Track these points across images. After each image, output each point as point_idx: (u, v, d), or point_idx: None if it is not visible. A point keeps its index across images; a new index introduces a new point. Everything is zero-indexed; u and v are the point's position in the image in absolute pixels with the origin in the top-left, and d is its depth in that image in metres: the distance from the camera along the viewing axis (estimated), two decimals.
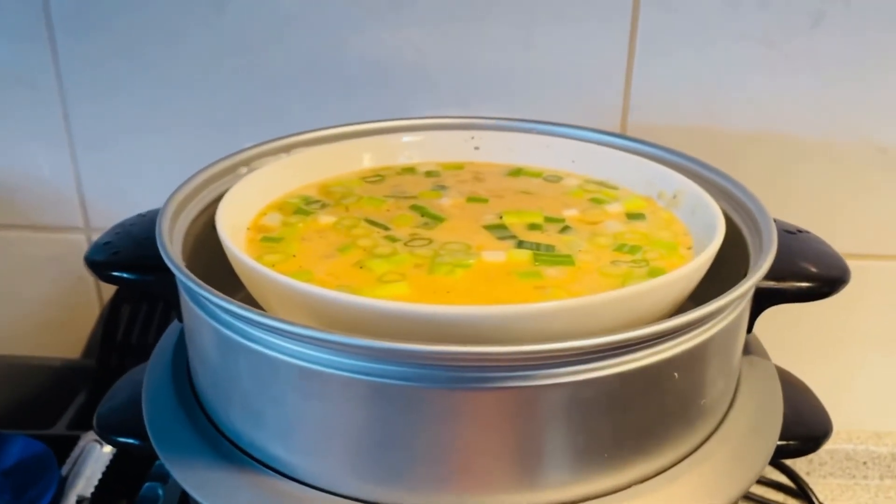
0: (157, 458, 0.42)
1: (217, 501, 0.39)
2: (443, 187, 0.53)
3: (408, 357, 0.34)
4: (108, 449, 0.63)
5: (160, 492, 0.58)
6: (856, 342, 0.71)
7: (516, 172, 0.55)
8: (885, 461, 0.73)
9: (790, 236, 0.49)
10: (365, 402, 0.36)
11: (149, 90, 0.67)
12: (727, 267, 0.44)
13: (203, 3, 0.64)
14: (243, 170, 0.52)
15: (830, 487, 0.73)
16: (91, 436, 0.64)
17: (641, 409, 0.38)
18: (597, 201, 0.51)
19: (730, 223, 0.46)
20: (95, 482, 0.60)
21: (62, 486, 0.60)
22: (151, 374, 0.47)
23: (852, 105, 0.64)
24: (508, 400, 0.35)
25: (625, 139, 0.55)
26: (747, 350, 0.48)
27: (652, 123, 0.65)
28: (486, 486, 0.37)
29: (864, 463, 0.73)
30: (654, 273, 0.43)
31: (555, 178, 0.54)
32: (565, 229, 0.47)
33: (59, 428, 0.67)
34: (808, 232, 0.50)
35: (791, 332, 0.67)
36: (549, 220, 0.48)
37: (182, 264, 0.40)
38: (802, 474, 0.71)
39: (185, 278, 0.38)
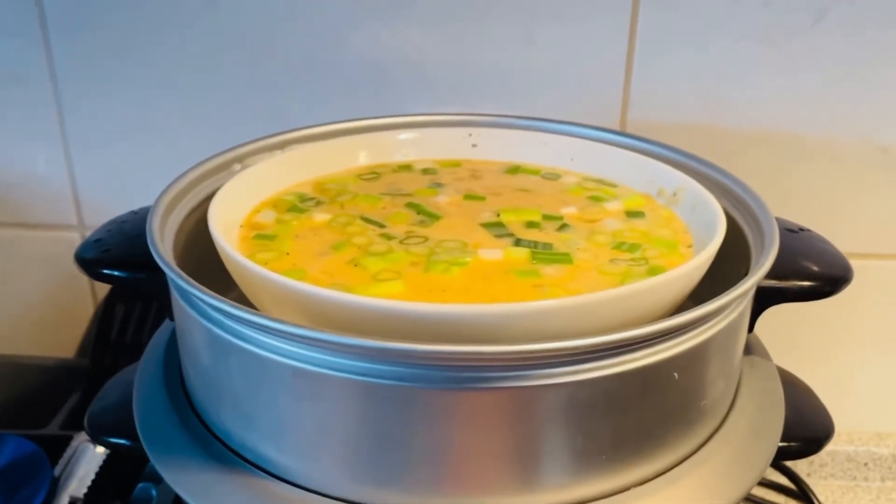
0: (148, 458, 0.42)
1: (208, 503, 0.38)
2: (439, 185, 0.52)
3: (402, 357, 0.34)
4: (101, 449, 0.62)
5: (153, 492, 0.58)
6: (856, 342, 0.71)
7: (514, 170, 0.55)
8: (887, 462, 0.72)
9: (792, 235, 0.48)
10: (359, 402, 0.35)
11: (144, 88, 0.67)
12: (728, 265, 0.43)
13: (199, 1, 0.63)
14: (237, 166, 0.51)
15: (831, 489, 0.72)
16: (84, 436, 0.63)
17: (641, 410, 0.37)
18: (595, 199, 0.50)
19: (730, 221, 0.45)
20: (88, 483, 0.60)
21: (54, 486, 0.59)
22: (143, 374, 0.47)
23: (853, 104, 0.63)
24: (505, 400, 0.35)
25: (624, 136, 0.54)
26: (748, 350, 0.47)
27: (652, 123, 0.65)
28: (482, 489, 0.36)
29: (866, 464, 0.73)
30: (653, 271, 0.42)
31: (553, 176, 0.54)
32: (563, 227, 0.47)
33: (52, 428, 0.66)
34: (809, 230, 0.50)
35: (791, 333, 0.67)
36: (547, 217, 0.48)
37: (173, 262, 0.39)
38: (803, 476, 0.71)
39: (176, 276, 0.38)
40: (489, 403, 0.35)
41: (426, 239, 0.45)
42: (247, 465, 0.39)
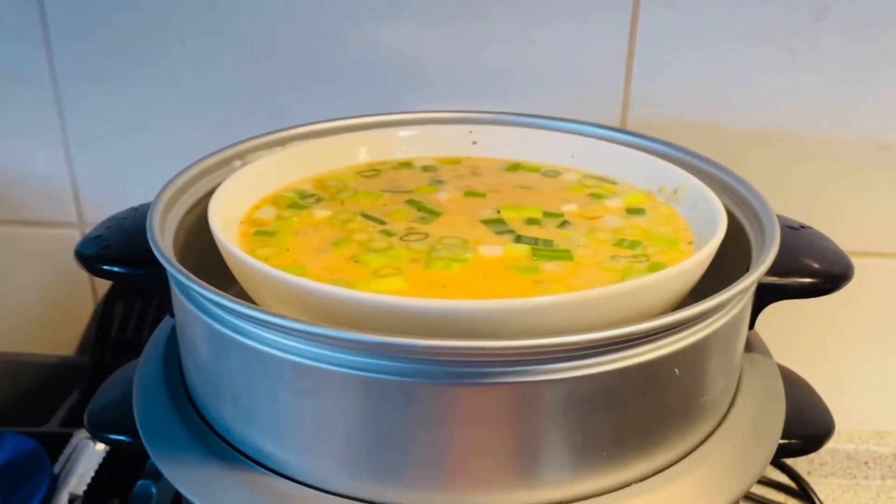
0: (148, 455, 0.42)
1: (208, 499, 0.38)
2: (440, 182, 0.52)
3: (402, 352, 0.34)
4: (101, 446, 0.62)
5: (153, 490, 0.58)
6: (857, 340, 0.71)
7: (514, 167, 0.55)
8: (887, 461, 0.72)
9: (793, 232, 0.48)
10: (359, 397, 0.35)
11: (144, 87, 0.67)
12: (728, 262, 0.43)
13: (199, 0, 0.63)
14: (237, 163, 0.51)
15: (832, 487, 0.72)
16: (84, 433, 0.63)
17: (641, 407, 0.37)
18: (596, 196, 0.50)
19: (731, 218, 0.45)
20: (88, 480, 0.60)
21: (54, 483, 0.59)
22: (143, 370, 0.47)
23: (854, 103, 0.63)
24: (505, 396, 0.35)
25: (625, 133, 0.54)
26: (749, 347, 0.47)
27: (652, 122, 0.64)
28: (482, 484, 0.36)
29: (866, 463, 0.72)
30: (654, 268, 0.42)
31: (553, 173, 0.54)
32: (564, 224, 0.47)
33: (52, 425, 0.66)
34: (810, 228, 0.49)
35: (792, 330, 0.67)
36: (547, 214, 0.47)
37: (173, 258, 0.39)
38: (803, 474, 0.71)
39: (176, 272, 0.37)
40: (489, 399, 0.35)
41: (426, 235, 0.45)
42: (247, 460, 0.39)
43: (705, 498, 0.39)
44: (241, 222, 0.46)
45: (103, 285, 0.73)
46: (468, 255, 0.42)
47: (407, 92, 0.65)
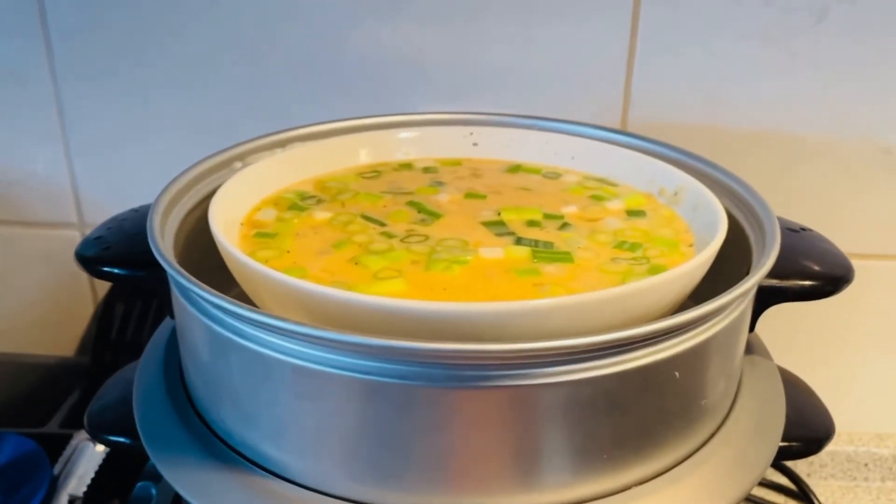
0: (148, 457, 0.42)
1: (208, 501, 0.38)
2: (440, 183, 0.52)
3: (403, 354, 0.34)
4: (100, 448, 0.62)
5: (153, 491, 0.57)
6: (857, 342, 0.71)
7: (515, 169, 0.55)
8: (887, 463, 0.72)
9: (793, 234, 0.48)
10: (359, 400, 0.35)
11: (144, 87, 0.66)
12: (729, 265, 0.43)
13: (199, 1, 0.63)
14: (238, 164, 0.51)
15: (831, 489, 0.72)
16: (84, 434, 0.63)
17: (641, 410, 0.37)
18: (597, 198, 0.50)
19: (732, 220, 0.45)
20: (88, 481, 0.60)
21: (54, 485, 0.59)
22: (143, 372, 0.47)
23: (856, 104, 0.63)
24: (506, 399, 0.35)
25: (625, 135, 0.54)
26: (749, 350, 0.47)
27: (653, 122, 0.64)
28: (482, 487, 0.36)
29: (866, 465, 0.72)
30: (654, 270, 0.42)
31: (554, 175, 0.54)
32: (564, 226, 0.47)
33: (52, 426, 0.66)
34: (811, 230, 0.49)
35: (792, 332, 0.67)
36: (548, 216, 0.47)
37: (173, 259, 0.39)
38: (803, 476, 0.71)
39: (176, 274, 0.37)
40: (490, 402, 0.35)
41: (427, 237, 0.45)
42: (247, 463, 0.39)
43: (705, 501, 0.39)
44: (242, 224, 0.46)
45: (103, 286, 0.73)
46: (468, 258, 0.42)
47: (407, 91, 0.65)
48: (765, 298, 0.44)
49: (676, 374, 0.37)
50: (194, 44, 0.65)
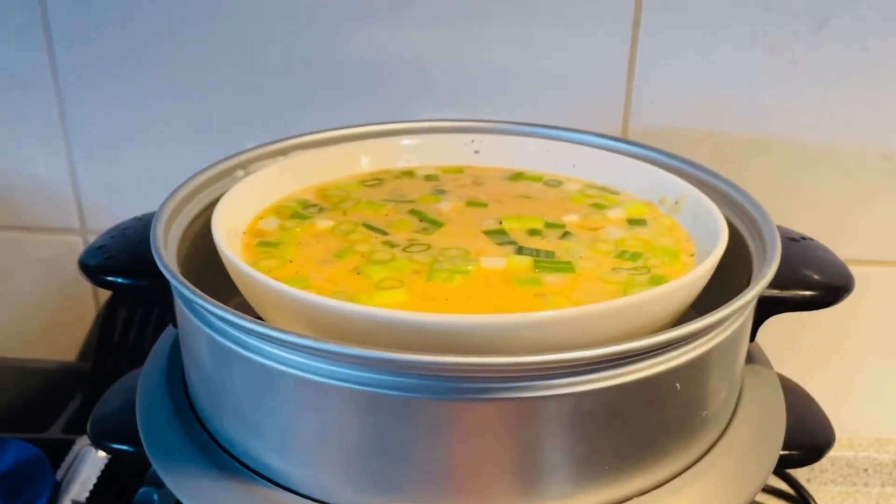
0: (150, 464, 0.42)
1: None
2: (442, 191, 0.52)
3: (404, 367, 0.34)
4: (103, 454, 0.62)
5: (155, 497, 0.58)
6: (857, 349, 0.71)
7: (516, 177, 0.55)
8: (887, 468, 0.72)
9: (794, 244, 0.48)
10: (361, 412, 0.35)
11: (146, 92, 0.67)
12: (730, 274, 0.43)
13: (199, 5, 0.63)
14: (240, 173, 0.51)
15: (832, 495, 0.72)
16: (86, 440, 0.63)
17: (642, 421, 0.37)
18: (598, 206, 0.50)
19: (732, 230, 0.45)
20: (90, 487, 0.60)
21: (56, 490, 0.59)
22: (146, 380, 0.47)
23: (857, 110, 0.63)
24: (507, 411, 0.35)
25: (626, 143, 0.54)
26: (749, 358, 0.47)
27: (654, 128, 0.64)
28: (484, 499, 0.36)
29: (866, 470, 0.73)
30: (655, 281, 0.42)
31: (555, 183, 0.54)
32: (566, 235, 0.47)
33: (54, 432, 0.66)
34: (811, 239, 0.50)
35: (792, 339, 0.67)
36: (549, 225, 0.48)
37: (177, 270, 0.39)
38: (803, 481, 0.71)
39: (180, 285, 0.38)
40: (491, 414, 0.35)
41: (429, 247, 0.45)
42: (249, 472, 0.39)
43: None
44: (245, 233, 0.47)
45: (105, 291, 0.73)
46: (470, 267, 0.42)
47: (407, 96, 0.65)
48: (765, 309, 0.44)
49: (677, 385, 0.37)
50: (196, 50, 0.65)
